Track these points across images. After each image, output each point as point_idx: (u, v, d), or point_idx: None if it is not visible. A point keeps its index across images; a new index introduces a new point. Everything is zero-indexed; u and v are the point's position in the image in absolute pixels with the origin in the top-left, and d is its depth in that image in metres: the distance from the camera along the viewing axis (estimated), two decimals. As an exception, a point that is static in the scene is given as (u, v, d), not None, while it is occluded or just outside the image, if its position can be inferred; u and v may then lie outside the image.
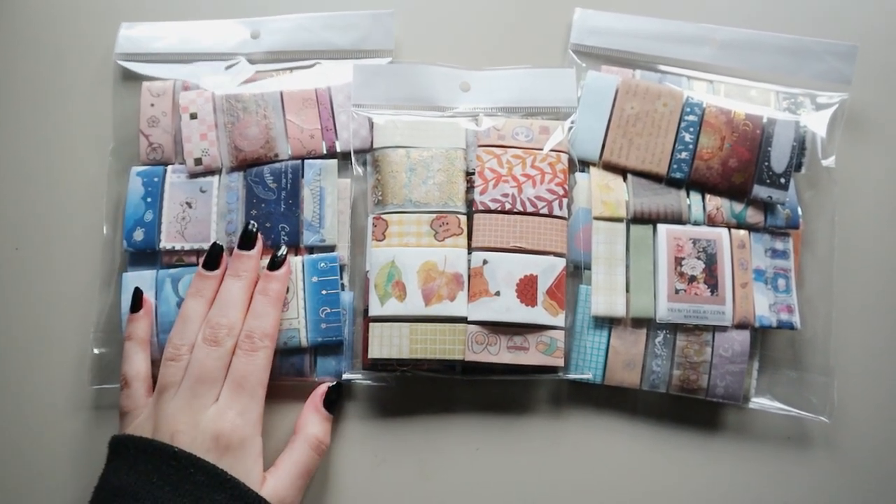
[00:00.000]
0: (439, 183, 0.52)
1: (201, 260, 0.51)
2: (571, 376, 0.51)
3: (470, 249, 0.52)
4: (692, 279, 0.52)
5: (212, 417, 0.45)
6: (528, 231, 0.51)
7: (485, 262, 0.51)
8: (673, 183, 0.54)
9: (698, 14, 0.60)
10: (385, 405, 0.53)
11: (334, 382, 0.51)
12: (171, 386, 0.46)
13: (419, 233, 0.51)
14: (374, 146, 0.54)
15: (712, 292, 0.52)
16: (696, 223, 0.53)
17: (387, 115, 0.54)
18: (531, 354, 0.50)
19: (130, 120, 0.55)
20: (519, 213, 0.52)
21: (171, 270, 0.52)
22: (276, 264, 0.50)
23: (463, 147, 0.54)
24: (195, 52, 0.56)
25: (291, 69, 0.56)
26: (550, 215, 0.52)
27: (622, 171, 0.54)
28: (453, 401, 0.53)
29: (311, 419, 0.50)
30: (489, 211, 0.52)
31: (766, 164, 0.53)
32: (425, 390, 0.53)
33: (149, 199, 0.53)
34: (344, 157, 0.54)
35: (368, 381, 0.52)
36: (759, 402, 0.52)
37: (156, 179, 0.53)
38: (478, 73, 0.56)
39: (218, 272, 0.49)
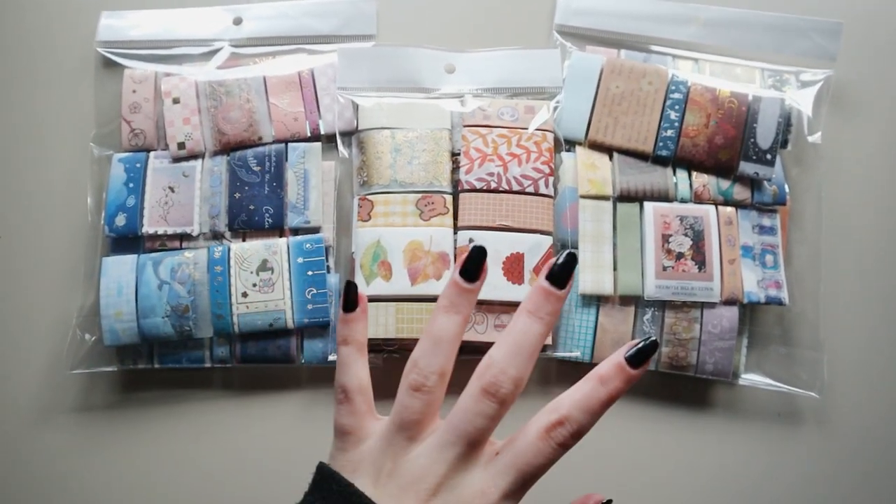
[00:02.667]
0: (424, 163, 0.52)
1: (185, 244, 0.51)
2: (559, 355, 0.51)
3: (456, 229, 0.51)
4: (680, 256, 0.52)
5: (475, 493, 0.35)
6: (514, 209, 0.51)
7: (471, 240, 0.50)
8: (659, 161, 0.54)
9: (682, -7, 0.60)
10: (373, 387, 0.52)
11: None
12: (413, 425, 0.37)
13: (405, 213, 0.51)
14: (359, 128, 0.53)
15: (700, 269, 0.51)
16: (682, 200, 0.53)
17: (371, 97, 0.54)
18: (519, 333, 0.50)
19: (112, 107, 0.54)
20: (505, 191, 0.52)
21: (153, 254, 0.51)
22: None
23: (448, 128, 0.53)
24: (177, 39, 0.56)
25: (274, 55, 0.56)
26: (536, 193, 0.52)
27: (608, 150, 0.54)
28: (441, 382, 0.52)
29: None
30: (475, 190, 0.52)
31: (752, 140, 0.53)
32: (413, 372, 0.52)
33: (131, 185, 0.52)
34: (328, 140, 0.54)
35: (355, 364, 0.51)
36: (748, 378, 0.52)
37: (138, 165, 0.53)
38: (462, 54, 0.55)
39: (477, 284, 0.38)
